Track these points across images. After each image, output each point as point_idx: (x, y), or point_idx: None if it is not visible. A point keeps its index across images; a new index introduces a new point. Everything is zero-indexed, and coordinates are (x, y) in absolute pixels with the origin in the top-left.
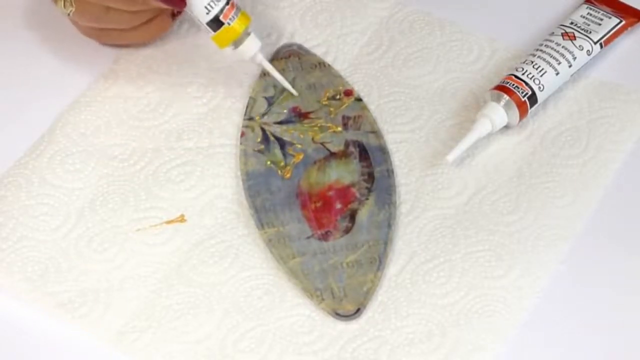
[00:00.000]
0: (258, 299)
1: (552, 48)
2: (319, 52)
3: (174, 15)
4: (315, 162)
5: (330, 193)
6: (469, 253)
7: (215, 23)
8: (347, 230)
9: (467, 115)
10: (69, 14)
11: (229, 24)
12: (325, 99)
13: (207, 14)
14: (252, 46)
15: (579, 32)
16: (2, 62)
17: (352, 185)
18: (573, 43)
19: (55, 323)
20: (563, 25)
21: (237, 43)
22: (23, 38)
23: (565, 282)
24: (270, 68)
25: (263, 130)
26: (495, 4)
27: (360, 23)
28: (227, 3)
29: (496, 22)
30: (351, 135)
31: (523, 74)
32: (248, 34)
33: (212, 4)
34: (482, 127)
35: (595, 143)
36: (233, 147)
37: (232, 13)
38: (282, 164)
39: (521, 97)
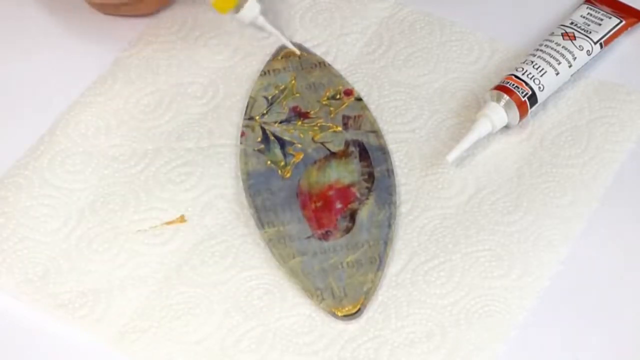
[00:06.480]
0: (258, 298)
1: (552, 48)
2: (319, 51)
3: None
4: (315, 162)
5: (331, 193)
6: (469, 253)
7: None
8: (347, 230)
9: (467, 115)
10: None
11: None
12: (326, 98)
13: None
14: (253, 9)
15: (579, 32)
16: (3, 62)
17: (352, 185)
18: (573, 43)
19: (56, 324)
20: (563, 25)
21: (237, 8)
22: (22, 39)
23: (565, 282)
24: (272, 30)
25: (263, 130)
26: (495, 4)
27: (360, 23)
28: None
29: (496, 22)
30: (351, 135)
31: (523, 74)
32: None
33: None
34: (482, 127)
35: (595, 143)
36: (233, 147)
37: None
38: (282, 163)
39: (521, 97)
